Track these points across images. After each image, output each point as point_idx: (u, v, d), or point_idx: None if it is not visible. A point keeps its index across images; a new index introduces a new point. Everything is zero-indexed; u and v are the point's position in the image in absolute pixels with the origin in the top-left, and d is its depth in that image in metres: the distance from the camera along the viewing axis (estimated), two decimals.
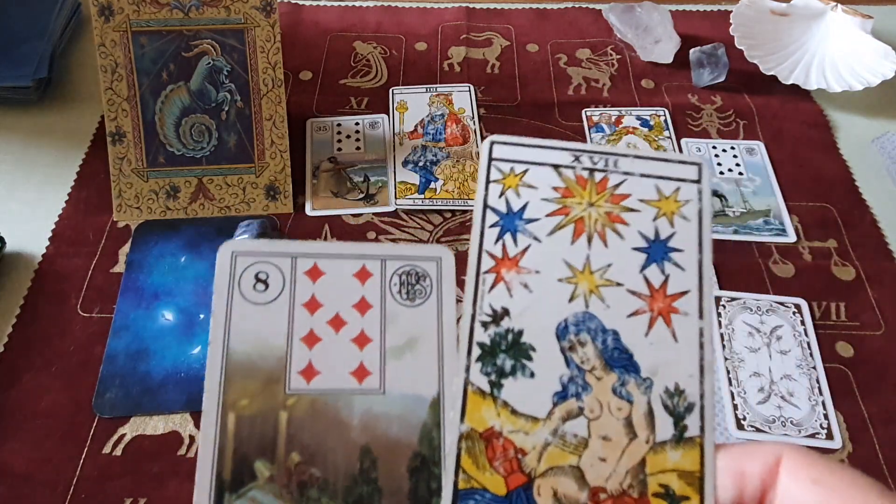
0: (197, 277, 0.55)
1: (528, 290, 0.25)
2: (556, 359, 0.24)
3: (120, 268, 0.56)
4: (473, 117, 0.67)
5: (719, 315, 0.54)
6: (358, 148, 0.65)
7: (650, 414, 0.23)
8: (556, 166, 0.26)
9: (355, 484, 0.23)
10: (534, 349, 0.24)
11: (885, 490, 0.21)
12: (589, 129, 0.67)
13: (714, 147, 0.66)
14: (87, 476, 0.46)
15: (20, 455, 0.46)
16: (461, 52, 0.74)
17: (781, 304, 0.54)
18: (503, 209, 0.25)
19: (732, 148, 0.66)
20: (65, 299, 0.54)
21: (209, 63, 0.58)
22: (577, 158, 0.26)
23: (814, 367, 0.51)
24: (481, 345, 0.24)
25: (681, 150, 0.65)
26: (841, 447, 0.47)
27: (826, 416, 0.49)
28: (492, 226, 0.25)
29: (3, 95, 0.66)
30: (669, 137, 0.66)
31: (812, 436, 0.48)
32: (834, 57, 0.70)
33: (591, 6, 0.80)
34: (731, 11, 0.73)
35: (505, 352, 0.24)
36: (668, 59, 0.72)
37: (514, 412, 0.24)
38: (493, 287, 0.25)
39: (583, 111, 0.68)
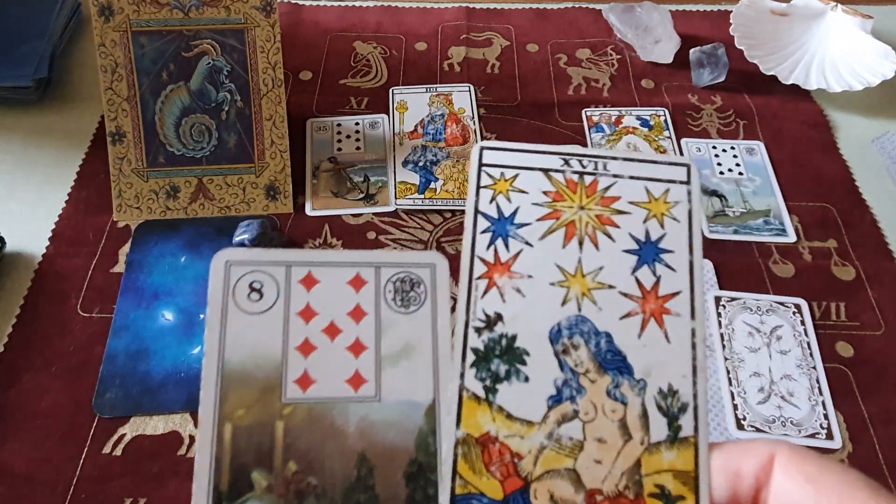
0: (197, 277, 0.55)
1: (521, 294, 0.25)
2: (550, 362, 0.24)
3: (120, 268, 0.56)
4: (473, 117, 0.67)
5: (719, 315, 0.54)
6: (358, 148, 0.65)
7: (644, 415, 0.24)
8: (545, 170, 0.26)
9: (353, 492, 0.23)
10: (528, 353, 0.24)
11: (878, 487, 0.21)
12: (589, 130, 0.67)
13: (714, 147, 0.66)
14: (87, 476, 0.46)
15: (20, 455, 0.46)
16: (461, 52, 0.74)
17: (781, 304, 0.54)
18: (494, 214, 0.25)
19: (732, 148, 0.66)
20: (65, 299, 0.54)
21: (209, 63, 0.58)
22: (566, 162, 0.26)
23: (814, 367, 0.51)
24: (475, 350, 0.24)
25: (681, 150, 0.65)
26: (841, 447, 0.48)
27: (826, 416, 0.49)
28: (483, 231, 0.25)
29: (3, 95, 0.66)
30: (669, 137, 0.66)
31: (812, 436, 0.48)
32: (834, 57, 0.70)
33: (591, 6, 0.80)
34: (731, 11, 0.73)
35: (499, 357, 0.24)
36: (668, 59, 0.72)
37: (509, 417, 0.24)
38: (485, 293, 0.25)
39: (583, 111, 0.68)
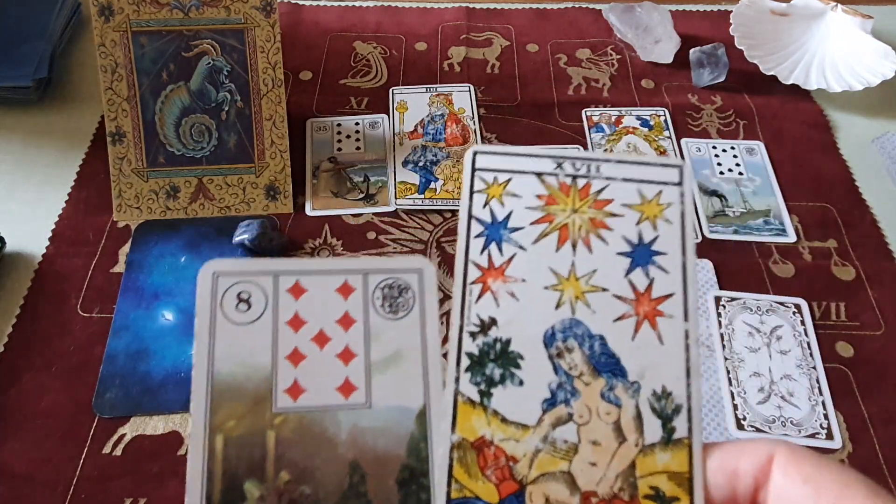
0: (197, 277, 0.55)
1: (515, 298, 0.25)
2: (545, 366, 0.24)
3: (120, 268, 0.56)
4: (473, 117, 0.67)
5: (719, 315, 0.54)
6: (358, 148, 0.65)
7: (638, 417, 0.24)
8: (538, 174, 0.26)
9: (345, 499, 0.23)
10: (522, 357, 0.24)
11: (876, 487, 0.21)
12: (589, 130, 0.67)
13: (714, 147, 0.66)
14: (87, 476, 0.46)
15: (20, 455, 0.46)
16: (461, 52, 0.74)
17: (781, 304, 0.54)
18: (488, 219, 0.25)
19: (732, 148, 0.66)
20: (65, 299, 0.54)
21: (209, 63, 0.58)
22: (559, 165, 0.26)
23: (814, 367, 0.51)
24: (470, 355, 0.24)
25: (681, 150, 0.65)
26: (841, 447, 0.48)
27: (826, 416, 0.49)
28: (477, 236, 0.25)
29: (3, 95, 0.66)
30: (669, 137, 0.66)
31: (812, 436, 0.48)
32: (834, 57, 0.70)
33: (591, 6, 0.80)
34: (731, 11, 0.73)
35: (493, 361, 0.24)
36: (668, 59, 0.72)
37: (504, 420, 0.24)
38: (479, 297, 0.25)
39: (583, 111, 0.68)
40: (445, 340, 0.25)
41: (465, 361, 0.24)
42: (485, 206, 0.26)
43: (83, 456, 0.46)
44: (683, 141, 0.66)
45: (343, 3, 0.79)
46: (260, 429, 0.24)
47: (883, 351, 0.52)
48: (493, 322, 0.25)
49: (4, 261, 0.56)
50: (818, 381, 0.50)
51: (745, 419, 0.48)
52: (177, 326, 0.52)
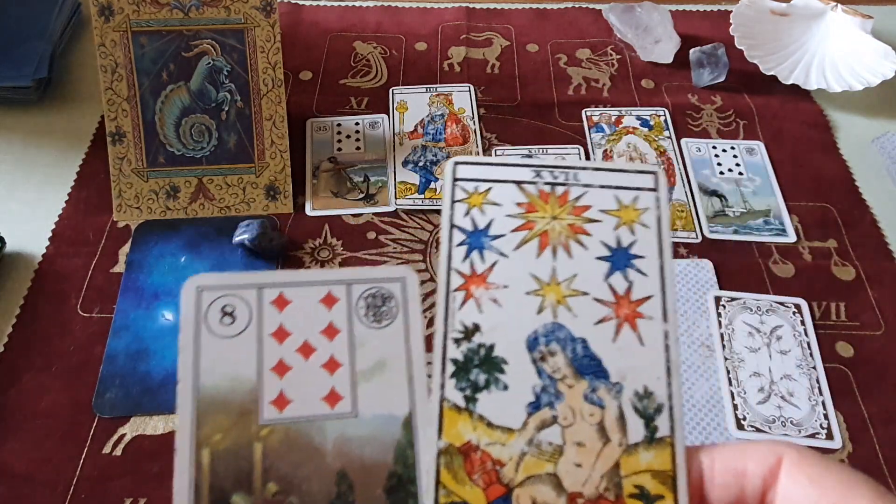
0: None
1: (498, 304, 0.25)
2: (528, 370, 0.25)
3: (120, 268, 0.56)
4: (473, 117, 0.67)
5: (719, 315, 0.54)
6: (358, 148, 0.65)
7: (621, 417, 0.24)
8: (518, 183, 0.26)
9: None
10: (506, 362, 0.25)
11: (880, 488, 0.21)
12: (589, 130, 0.67)
13: (714, 147, 0.66)
14: (87, 476, 0.46)
15: (20, 455, 0.46)
16: (461, 52, 0.74)
17: (781, 304, 0.54)
18: (469, 227, 0.26)
19: (732, 148, 0.66)
20: (65, 299, 0.54)
21: (209, 63, 0.58)
22: (538, 174, 0.27)
23: (814, 367, 0.51)
24: (455, 361, 0.25)
25: (681, 150, 0.65)
26: (841, 447, 0.48)
27: (826, 416, 0.49)
28: (459, 244, 0.26)
29: (3, 95, 0.66)
30: (669, 137, 0.66)
31: (812, 436, 0.48)
32: (834, 57, 0.70)
33: (591, 6, 0.80)
34: (731, 11, 0.73)
35: (478, 367, 0.25)
36: (668, 59, 0.72)
37: (489, 425, 0.24)
38: (463, 304, 0.25)
39: (583, 111, 0.68)
40: (430, 347, 0.25)
41: (450, 368, 0.25)
42: (466, 215, 0.26)
43: (83, 456, 0.46)
44: (683, 141, 0.66)
45: (343, 3, 0.79)
46: (246, 441, 0.24)
47: (883, 351, 0.52)
48: (477, 328, 0.25)
49: (4, 261, 0.56)
50: (818, 381, 0.50)
51: (745, 419, 0.48)
52: (177, 326, 0.52)
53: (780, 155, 0.65)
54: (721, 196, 0.62)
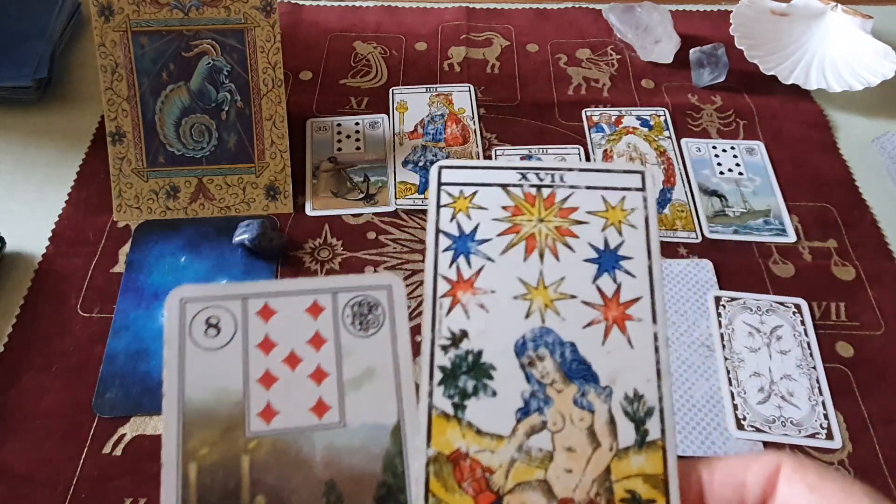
0: (197, 278, 0.55)
1: (485, 310, 0.25)
2: (517, 376, 0.24)
3: (120, 268, 0.56)
4: (473, 117, 0.67)
5: (719, 315, 0.54)
6: (358, 148, 0.65)
7: (612, 422, 0.24)
8: (504, 186, 0.26)
9: None
10: (494, 368, 0.24)
11: (880, 495, 0.21)
12: (589, 130, 0.67)
13: (714, 147, 0.66)
14: (87, 476, 0.46)
15: (20, 455, 0.46)
16: (461, 52, 0.74)
17: (781, 304, 0.54)
18: (455, 232, 0.26)
19: (732, 148, 0.66)
20: (65, 299, 0.54)
21: (209, 63, 0.58)
22: (524, 176, 0.26)
23: (814, 367, 0.51)
24: (442, 368, 0.24)
25: (681, 150, 0.65)
26: (841, 447, 0.47)
27: (826, 416, 0.49)
28: (445, 250, 0.26)
29: (3, 95, 0.66)
30: (669, 137, 0.66)
31: (812, 436, 0.48)
32: (834, 57, 0.70)
33: (591, 6, 0.80)
34: (731, 11, 0.73)
35: (466, 373, 0.24)
36: (668, 59, 0.72)
37: (478, 432, 0.24)
38: (450, 310, 0.25)
39: (583, 111, 0.68)
40: (417, 355, 0.25)
41: (438, 375, 0.24)
42: (452, 220, 0.26)
43: (83, 456, 0.46)
44: (683, 141, 0.66)
45: (343, 3, 0.79)
46: (234, 454, 0.23)
47: (883, 351, 0.52)
48: (465, 334, 0.25)
49: (4, 261, 0.56)
50: (818, 381, 0.50)
51: (745, 419, 0.48)
52: None
53: (780, 155, 0.65)
54: (721, 196, 0.62)
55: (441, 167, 0.27)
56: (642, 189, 0.26)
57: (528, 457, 0.24)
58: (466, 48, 0.74)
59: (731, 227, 0.59)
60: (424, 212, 0.60)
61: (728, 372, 0.51)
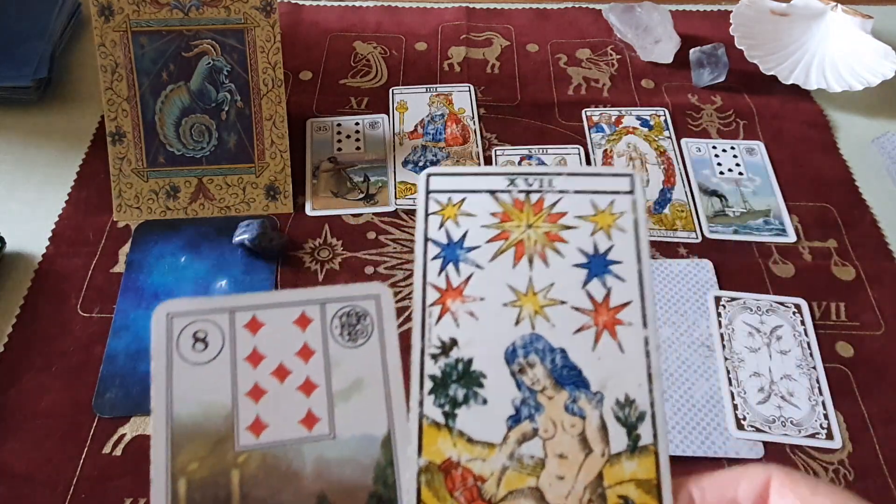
0: (197, 277, 0.55)
1: (474, 317, 0.25)
2: (507, 383, 0.24)
3: (120, 268, 0.56)
4: (473, 117, 0.67)
5: (719, 315, 0.54)
6: (358, 148, 0.65)
7: (603, 427, 0.24)
8: (492, 192, 0.26)
9: None
10: (484, 376, 0.24)
11: None
12: (589, 130, 0.67)
13: (714, 147, 0.66)
14: (87, 476, 0.46)
15: (20, 455, 0.46)
16: (461, 52, 0.74)
17: (781, 304, 0.54)
18: (444, 240, 0.26)
19: (732, 148, 0.66)
20: (65, 299, 0.54)
21: (209, 63, 0.58)
22: (512, 182, 0.26)
23: (814, 367, 0.51)
24: (433, 377, 0.24)
25: (681, 150, 0.65)
26: (841, 447, 0.47)
27: (826, 416, 0.49)
28: (434, 258, 0.25)
29: (3, 95, 0.66)
30: (669, 137, 0.66)
31: (812, 436, 0.48)
32: (834, 57, 0.70)
33: (591, 6, 0.80)
34: (731, 11, 0.73)
35: (456, 382, 0.24)
36: (668, 59, 0.72)
37: (470, 440, 0.24)
38: (439, 319, 0.25)
39: (583, 111, 0.68)
40: (407, 364, 0.24)
41: (428, 384, 0.24)
42: (440, 228, 0.26)
43: (83, 456, 0.46)
44: (683, 141, 0.66)
45: (343, 3, 0.79)
46: (223, 469, 0.23)
47: (883, 351, 0.52)
48: (454, 343, 0.25)
49: (4, 261, 0.56)
50: (818, 381, 0.50)
51: (745, 419, 0.48)
52: None
53: (780, 155, 0.65)
54: (721, 196, 0.62)
55: (429, 174, 0.27)
56: (631, 192, 0.26)
57: (519, 464, 0.23)
58: (466, 48, 0.74)
59: (731, 227, 0.59)
60: None
61: (728, 372, 0.51)
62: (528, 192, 0.26)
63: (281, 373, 0.25)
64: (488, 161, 0.64)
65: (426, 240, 0.26)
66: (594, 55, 0.75)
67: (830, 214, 0.61)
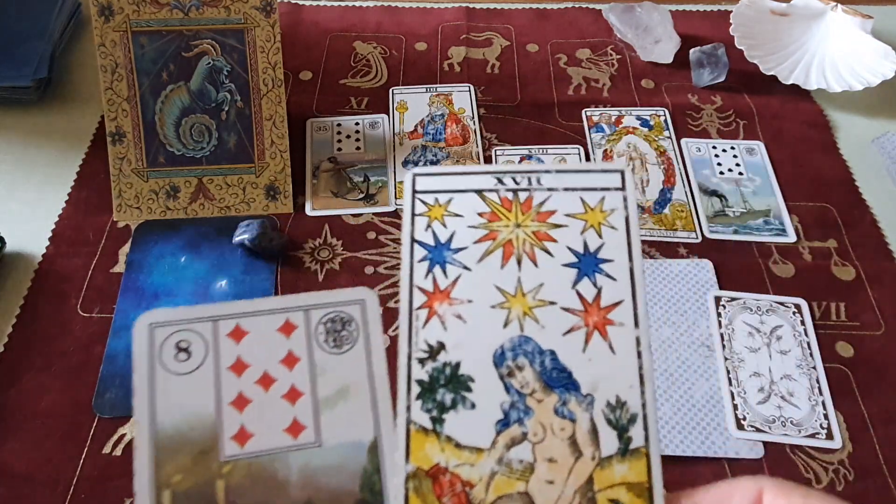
0: (197, 277, 0.55)
1: (462, 320, 0.24)
2: (496, 387, 0.24)
3: (120, 268, 0.56)
4: (473, 117, 0.67)
5: (719, 315, 0.54)
6: (358, 148, 0.65)
7: (594, 430, 0.23)
8: (479, 191, 0.26)
9: None
10: (472, 380, 0.24)
11: None
12: (589, 130, 0.67)
13: (714, 147, 0.66)
14: (87, 476, 0.46)
15: (20, 455, 0.46)
16: (461, 52, 0.74)
17: (781, 304, 0.54)
18: (431, 242, 0.25)
19: (732, 148, 0.66)
20: (65, 299, 0.54)
21: (209, 63, 0.58)
22: (500, 180, 0.26)
23: (814, 367, 0.51)
24: (420, 382, 0.24)
25: (681, 150, 0.65)
26: (841, 447, 0.47)
27: (826, 416, 0.49)
28: (420, 260, 0.25)
29: (3, 95, 0.66)
30: (669, 137, 0.66)
31: (812, 436, 0.48)
32: (834, 57, 0.70)
33: (591, 6, 0.80)
34: (731, 11, 0.73)
35: (444, 386, 0.24)
36: (668, 59, 0.72)
37: (458, 446, 0.23)
38: (426, 322, 0.24)
39: (583, 111, 0.68)
40: (394, 369, 0.24)
41: (416, 389, 0.24)
42: (427, 229, 0.25)
43: (83, 456, 0.46)
44: (683, 141, 0.66)
45: (343, 3, 0.79)
46: (208, 479, 0.23)
47: (883, 351, 0.52)
48: (442, 346, 0.24)
49: (4, 261, 0.56)
50: (818, 381, 0.50)
51: (745, 419, 0.48)
52: None
53: (780, 155, 0.65)
54: (721, 196, 0.62)
55: (416, 175, 0.26)
56: (622, 188, 0.25)
57: (508, 469, 0.23)
58: (466, 48, 0.74)
59: (731, 227, 0.59)
60: None
61: (728, 372, 0.51)
62: (516, 191, 0.26)
63: (265, 381, 0.24)
64: (488, 161, 0.64)
65: (413, 241, 0.25)
66: (594, 55, 0.75)
67: (830, 214, 0.61)
